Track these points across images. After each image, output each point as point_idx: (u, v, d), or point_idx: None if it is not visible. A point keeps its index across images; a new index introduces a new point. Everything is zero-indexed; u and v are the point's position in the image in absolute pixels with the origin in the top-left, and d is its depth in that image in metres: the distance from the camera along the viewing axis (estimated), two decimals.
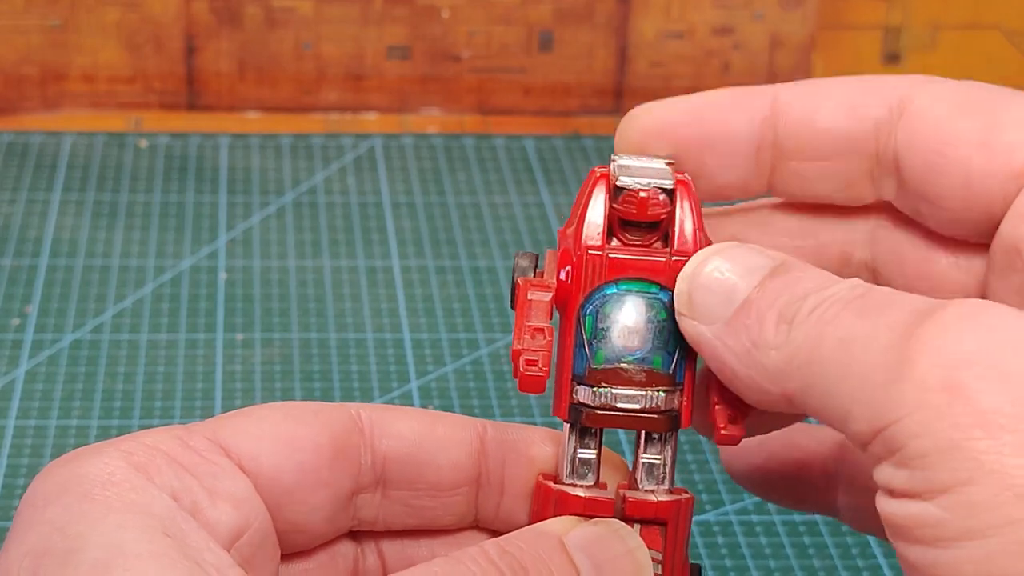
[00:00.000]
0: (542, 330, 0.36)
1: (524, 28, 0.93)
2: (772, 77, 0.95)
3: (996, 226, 0.36)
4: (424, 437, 0.38)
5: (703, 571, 0.38)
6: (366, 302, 0.75)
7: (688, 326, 0.35)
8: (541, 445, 0.38)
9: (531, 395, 0.68)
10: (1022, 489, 0.29)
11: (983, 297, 0.36)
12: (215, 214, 0.82)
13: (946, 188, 0.36)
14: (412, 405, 0.68)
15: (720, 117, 0.38)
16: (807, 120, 0.38)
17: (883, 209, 0.39)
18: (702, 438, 0.66)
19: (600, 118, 0.95)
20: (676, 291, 0.36)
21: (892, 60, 0.96)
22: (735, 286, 0.34)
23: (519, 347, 0.36)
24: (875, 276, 0.39)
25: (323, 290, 0.76)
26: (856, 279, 0.34)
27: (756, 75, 0.95)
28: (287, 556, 0.37)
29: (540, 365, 0.35)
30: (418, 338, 0.73)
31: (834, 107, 0.38)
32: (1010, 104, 0.37)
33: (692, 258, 0.36)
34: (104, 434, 0.65)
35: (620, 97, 0.94)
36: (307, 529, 0.37)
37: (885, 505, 0.31)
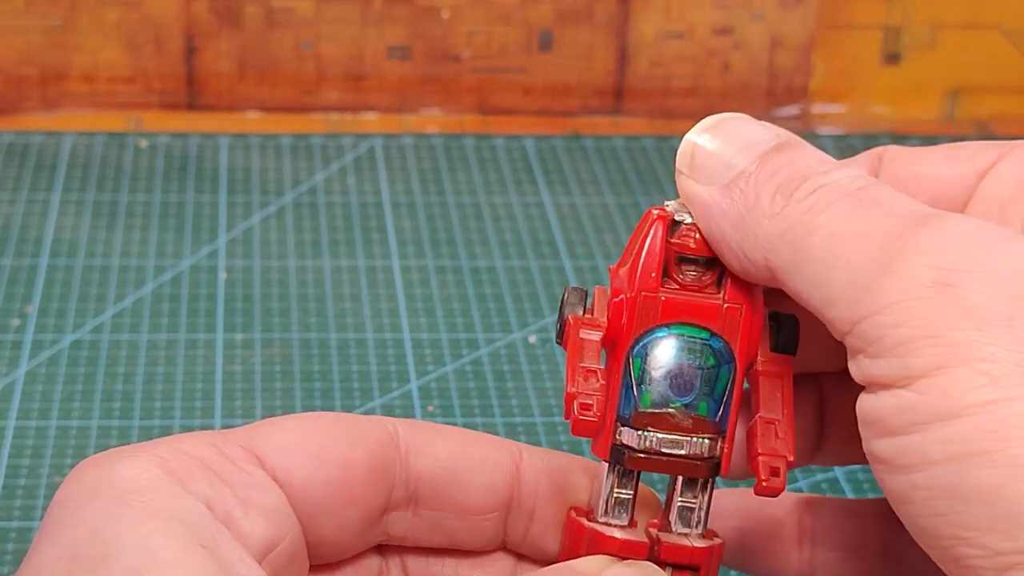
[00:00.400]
0: (595, 372, 0.36)
1: (524, 28, 0.93)
2: (772, 77, 0.95)
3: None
4: (459, 458, 0.38)
5: None
6: (366, 302, 0.75)
7: (685, 184, 0.36)
8: (578, 475, 0.38)
9: (531, 397, 0.68)
10: (999, 374, 0.29)
11: None
12: (215, 214, 0.82)
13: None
14: (412, 405, 0.68)
15: None
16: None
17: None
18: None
19: (600, 118, 0.95)
20: (680, 150, 0.36)
21: (892, 60, 0.96)
22: (738, 154, 0.35)
23: (573, 390, 0.36)
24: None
25: (323, 290, 0.76)
26: (859, 170, 0.34)
27: (756, 75, 0.95)
28: (313, 567, 0.37)
29: (594, 410, 0.35)
30: (418, 338, 0.73)
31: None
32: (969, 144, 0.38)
33: (700, 122, 0.36)
34: (104, 434, 0.65)
35: (620, 97, 0.94)
36: (337, 543, 0.36)
37: (862, 403, 0.32)
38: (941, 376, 0.30)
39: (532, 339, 0.73)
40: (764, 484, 0.35)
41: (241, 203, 0.83)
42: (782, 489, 0.35)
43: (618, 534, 0.36)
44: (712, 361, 0.36)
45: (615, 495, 0.37)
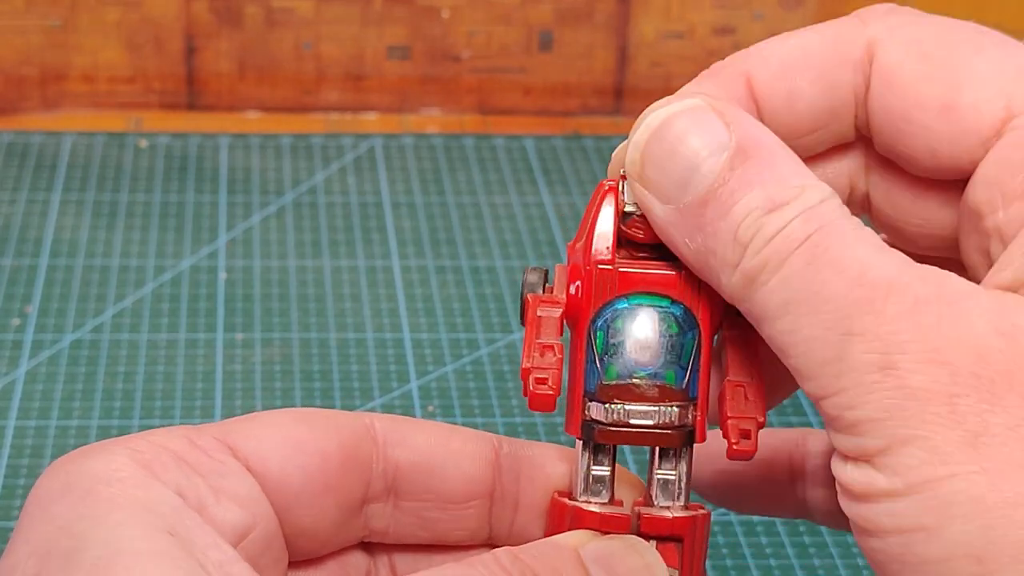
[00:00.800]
0: (552, 347, 0.36)
1: (524, 28, 0.93)
2: None
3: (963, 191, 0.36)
4: (437, 448, 0.38)
5: None
6: (366, 302, 0.75)
7: (639, 193, 0.35)
8: (556, 462, 0.38)
9: None
10: (944, 452, 0.31)
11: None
12: (215, 214, 0.82)
13: (916, 153, 0.36)
14: (412, 405, 0.68)
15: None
16: (788, 104, 0.37)
17: (871, 150, 0.38)
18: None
19: (600, 118, 0.95)
20: (628, 157, 0.35)
21: None
22: (691, 170, 0.34)
23: (528, 365, 0.35)
24: (871, 210, 0.39)
25: (323, 290, 0.76)
26: (815, 194, 0.33)
27: None
28: (297, 563, 0.37)
29: (550, 383, 0.35)
30: (418, 338, 0.73)
31: (811, 87, 0.37)
32: (972, 56, 0.36)
33: (643, 121, 0.35)
34: (104, 434, 0.65)
35: (620, 97, 0.94)
36: (315, 535, 0.36)
37: (833, 465, 0.33)
38: (891, 455, 0.31)
39: None
40: (735, 447, 0.35)
41: (241, 203, 0.83)
42: (754, 451, 0.35)
43: (598, 509, 0.36)
44: (675, 328, 0.36)
45: (592, 472, 0.37)
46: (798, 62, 0.37)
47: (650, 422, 0.36)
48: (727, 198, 0.33)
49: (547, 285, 0.37)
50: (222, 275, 0.77)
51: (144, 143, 0.89)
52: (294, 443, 0.36)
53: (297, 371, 0.70)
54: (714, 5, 0.93)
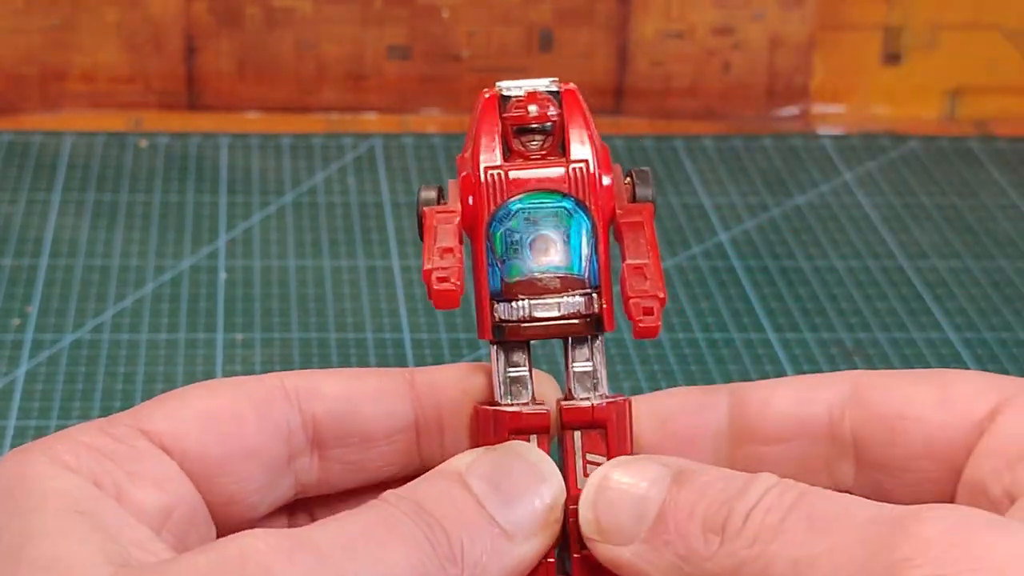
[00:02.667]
0: (451, 250, 0.36)
1: (524, 28, 0.93)
2: (772, 77, 0.95)
3: (957, 482, 0.36)
4: (351, 392, 0.38)
5: None
6: (366, 302, 0.75)
7: (603, 551, 0.35)
8: (470, 376, 0.39)
9: None
10: None
11: None
12: (215, 214, 0.82)
13: (909, 451, 0.37)
14: None
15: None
16: (762, 406, 0.38)
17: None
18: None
19: (600, 118, 0.94)
20: (581, 519, 0.35)
21: (892, 60, 0.96)
22: (643, 500, 0.34)
23: (429, 267, 0.36)
24: None
25: (323, 290, 0.76)
26: (766, 474, 0.33)
27: (756, 75, 0.95)
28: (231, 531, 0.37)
29: (452, 280, 0.36)
30: (418, 338, 0.73)
31: (786, 394, 0.38)
32: (957, 372, 0.38)
33: (588, 483, 0.35)
34: None
35: (620, 97, 0.94)
36: (244, 500, 0.37)
37: None
38: None
39: None
40: (640, 325, 0.35)
41: (241, 203, 0.83)
42: (658, 328, 0.35)
43: (517, 409, 0.36)
44: (568, 222, 0.36)
45: (508, 375, 0.37)
46: (780, 382, 0.39)
47: (555, 313, 0.36)
48: (684, 504, 0.33)
49: (442, 201, 0.38)
50: (222, 275, 0.77)
51: (144, 143, 0.89)
52: (207, 414, 0.37)
53: None
54: (714, 5, 0.93)
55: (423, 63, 0.93)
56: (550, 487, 0.35)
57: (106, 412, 0.67)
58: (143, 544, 0.32)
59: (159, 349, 0.71)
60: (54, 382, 0.69)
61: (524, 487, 0.35)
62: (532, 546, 0.34)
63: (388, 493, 0.34)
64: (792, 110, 0.96)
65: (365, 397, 0.38)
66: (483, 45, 0.93)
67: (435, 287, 0.36)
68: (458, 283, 0.36)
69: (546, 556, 0.35)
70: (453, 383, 0.39)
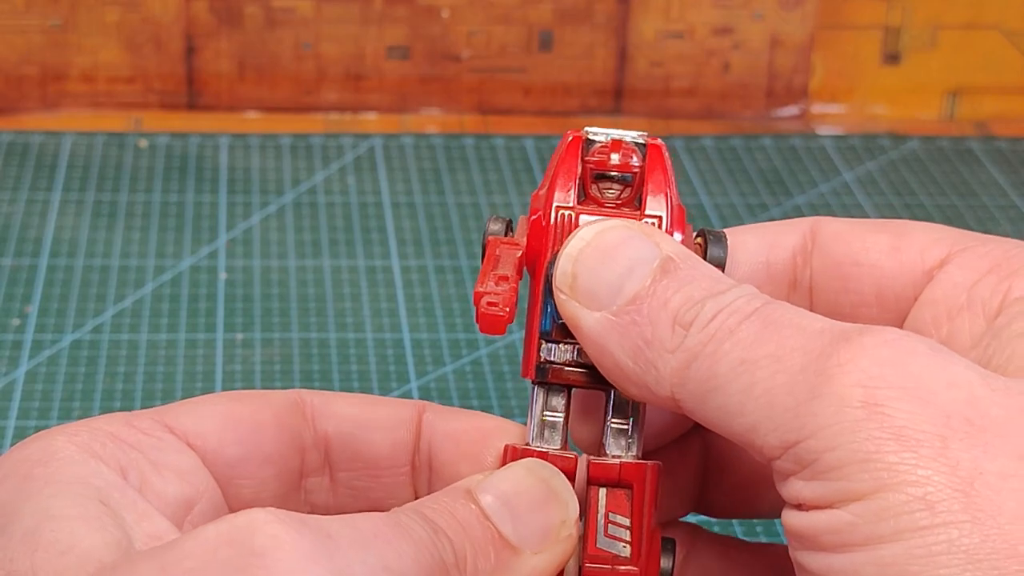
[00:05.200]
0: (507, 278, 0.35)
1: (524, 28, 0.93)
2: (772, 77, 0.95)
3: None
4: (362, 416, 0.38)
5: (676, 546, 0.37)
6: (366, 302, 0.75)
7: (569, 308, 0.35)
8: (478, 427, 0.38)
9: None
10: (933, 499, 0.29)
11: None
12: (215, 214, 0.82)
13: (859, 298, 0.37)
14: None
15: None
16: (732, 251, 0.38)
17: None
18: None
19: (600, 118, 0.95)
20: (559, 269, 0.35)
21: (892, 60, 0.96)
22: (625, 275, 0.34)
23: (481, 290, 0.35)
24: None
25: (323, 290, 0.76)
26: (750, 286, 0.34)
27: (756, 75, 0.95)
28: None
29: (501, 307, 0.35)
30: (418, 338, 0.73)
31: (753, 240, 0.39)
32: (917, 223, 0.38)
33: (576, 234, 0.35)
34: None
35: (620, 97, 0.95)
36: (260, 505, 0.37)
37: (792, 518, 0.32)
38: (875, 499, 0.30)
39: None
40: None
41: (241, 203, 0.83)
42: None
43: (545, 450, 0.36)
44: None
45: (544, 417, 0.36)
46: (746, 229, 0.39)
47: None
48: (662, 293, 0.33)
49: (509, 234, 0.37)
50: (222, 275, 0.77)
51: (144, 143, 0.89)
52: (229, 418, 0.37)
53: (297, 371, 0.70)
54: (714, 5, 0.93)
55: (423, 63, 0.93)
56: (560, 503, 0.35)
57: (106, 412, 0.67)
58: (162, 538, 0.32)
59: (159, 349, 0.71)
60: (54, 382, 0.69)
61: (533, 502, 0.34)
62: (541, 561, 0.34)
63: (396, 508, 0.34)
64: (792, 110, 0.96)
65: (374, 424, 0.38)
66: (483, 45, 0.93)
67: (483, 310, 0.35)
68: (507, 311, 0.35)
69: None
70: (447, 423, 0.39)
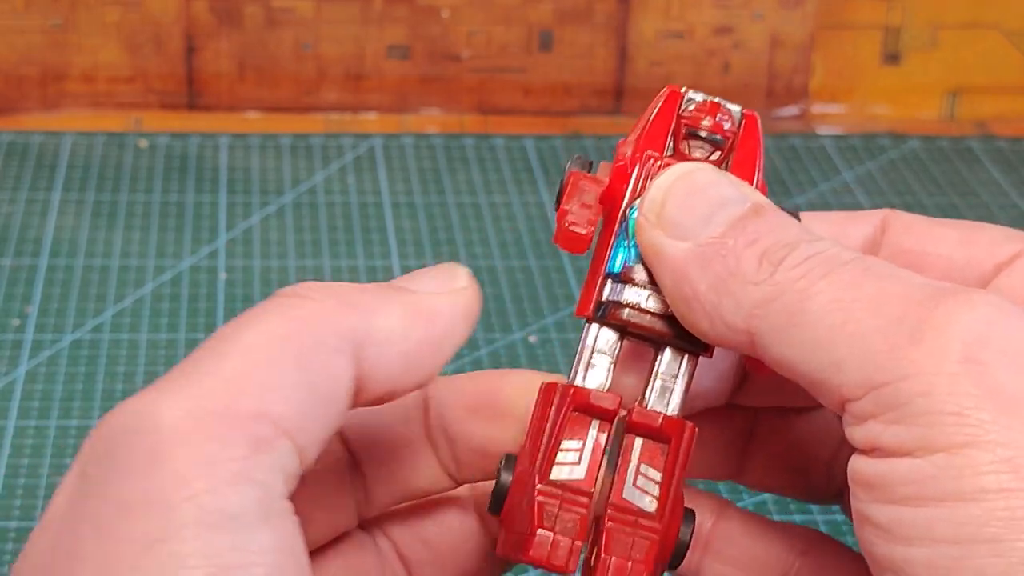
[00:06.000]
0: (590, 206, 0.35)
1: (524, 28, 0.93)
2: (772, 77, 0.95)
3: None
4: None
5: (695, 518, 0.36)
6: None
7: (652, 237, 0.34)
8: (466, 381, 0.38)
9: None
10: (1020, 462, 0.29)
11: None
12: (215, 214, 0.82)
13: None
14: None
15: None
16: None
17: None
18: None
19: (600, 118, 0.95)
20: (648, 196, 0.34)
21: (892, 60, 0.96)
22: (715, 210, 0.34)
23: (566, 207, 0.35)
24: None
25: None
26: (849, 247, 0.33)
27: (756, 75, 0.95)
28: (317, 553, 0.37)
29: (583, 224, 0.35)
30: None
31: (825, 228, 0.38)
32: (986, 224, 0.38)
33: (670, 169, 0.35)
34: None
35: (620, 97, 0.94)
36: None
37: (862, 465, 0.31)
38: (960, 454, 0.29)
39: (532, 339, 0.73)
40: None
41: (241, 203, 0.83)
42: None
43: (590, 386, 0.35)
44: None
45: (592, 360, 0.35)
46: (816, 217, 0.39)
47: (663, 310, 0.35)
48: (752, 230, 0.33)
49: (591, 173, 0.37)
50: (222, 275, 0.77)
51: (144, 143, 0.89)
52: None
53: None
54: (714, 5, 0.93)
55: (423, 63, 0.93)
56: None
57: (106, 412, 0.67)
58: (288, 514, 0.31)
59: (159, 349, 0.71)
60: (54, 382, 0.69)
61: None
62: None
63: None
64: (792, 110, 0.96)
65: (380, 412, 0.38)
66: (483, 45, 0.93)
67: (567, 227, 0.35)
68: (590, 228, 0.34)
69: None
70: (462, 394, 0.38)
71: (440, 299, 0.36)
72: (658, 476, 0.35)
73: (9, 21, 0.90)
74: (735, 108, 0.36)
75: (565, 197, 0.35)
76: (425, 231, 0.81)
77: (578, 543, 0.34)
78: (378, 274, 0.78)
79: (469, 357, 0.71)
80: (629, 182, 0.36)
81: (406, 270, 0.78)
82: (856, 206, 0.86)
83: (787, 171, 0.89)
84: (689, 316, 0.34)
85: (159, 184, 0.85)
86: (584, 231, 0.35)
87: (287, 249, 0.80)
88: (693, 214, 0.34)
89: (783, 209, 0.35)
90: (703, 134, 0.36)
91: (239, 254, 0.79)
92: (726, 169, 0.36)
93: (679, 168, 0.35)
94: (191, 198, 0.84)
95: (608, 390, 0.35)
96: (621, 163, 0.36)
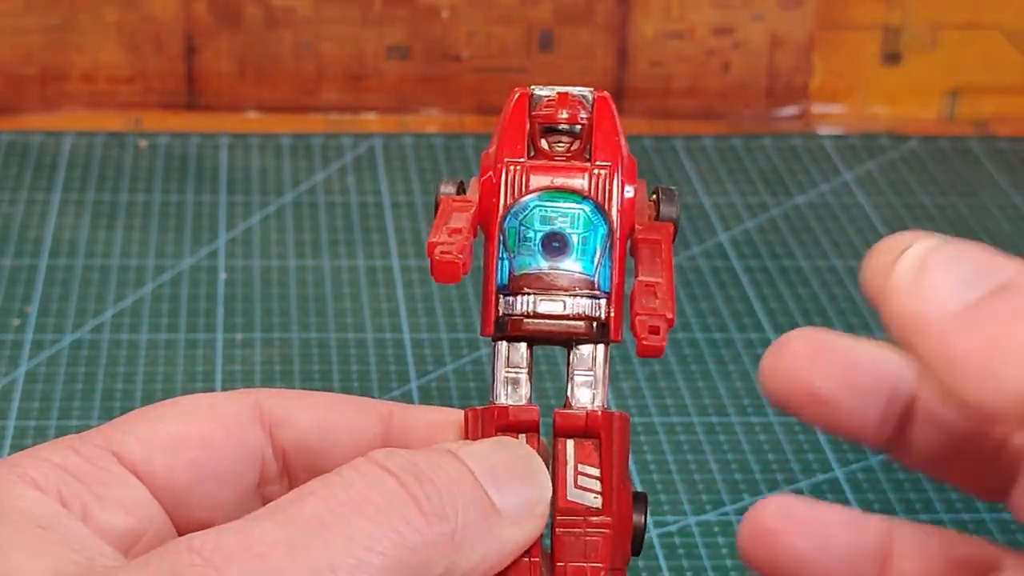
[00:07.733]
0: (460, 231, 0.35)
1: (524, 28, 0.93)
2: (772, 77, 0.95)
3: None
4: (323, 425, 0.37)
5: (648, 501, 0.36)
6: (366, 302, 0.75)
7: (903, 303, 0.31)
8: (448, 424, 0.38)
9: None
10: None
11: None
12: (215, 214, 0.82)
13: None
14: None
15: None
16: None
17: None
18: (702, 438, 0.66)
19: None
20: (904, 264, 0.32)
21: (892, 60, 0.96)
22: (986, 265, 0.31)
23: (435, 240, 0.35)
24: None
25: (323, 290, 0.76)
26: None
27: (756, 75, 0.95)
28: None
29: (455, 253, 0.34)
30: (418, 338, 0.73)
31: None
32: None
33: (925, 238, 0.32)
34: None
35: (620, 97, 0.94)
36: (215, 525, 0.36)
37: None
38: None
39: None
40: (644, 343, 0.34)
41: (241, 203, 0.83)
42: (662, 348, 0.34)
43: (509, 403, 0.36)
44: (585, 224, 0.36)
45: (505, 375, 0.36)
46: None
47: (560, 310, 0.36)
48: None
49: (461, 195, 0.37)
50: (222, 275, 0.77)
51: (144, 143, 0.89)
52: (179, 438, 0.36)
53: (297, 371, 0.70)
54: (714, 5, 0.93)
55: (423, 63, 0.93)
56: (538, 480, 0.34)
57: (106, 412, 0.67)
58: (103, 558, 0.32)
59: (159, 349, 0.71)
60: (54, 382, 0.69)
61: (514, 474, 0.34)
62: (518, 532, 0.34)
63: (377, 452, 0.33)
64: (792, 110, 0.96)
65: (337, 432, 0.37)
66: (483, 45, 0.93)
67: (437, 258, 0.34)
68: (461, 256, 0.34)
69: (530, 554, 0.34)
70: (426, 431, 0.38)
71: (517, 533, 0.34)
72: (597, 472, 0.35)
73: (9, 21, 0.90)
74: (586, 92, 0.37)
75: (433, 228, 0.36)
76: (425, 231, 0.81)
77: (535, 560, 0.34)
78: (378, 274, 0.78)
79: (469, 357, 0.71)
80: (499, 194, 0.36)
81: (406, 270, 0.78)
82: (856, 206, 0.86)
83: (787, 171, 0.89)
84: (952, 378, 0.31)
85: (159, 184, 0.85)
86: (456, 260, 0.34)
87: (287, 249, 0.80)
88: (958, 275, 0.31)
89: None
90: (562, 127, 0.36)
91: (239, 254, 0.79)
92: (589, 155, 0.36)
93: (928, 240, 0.32)
94: (191, 198, 0.84)
95: (528, 401, 0.36)
96: (486, 177, 0.36)
